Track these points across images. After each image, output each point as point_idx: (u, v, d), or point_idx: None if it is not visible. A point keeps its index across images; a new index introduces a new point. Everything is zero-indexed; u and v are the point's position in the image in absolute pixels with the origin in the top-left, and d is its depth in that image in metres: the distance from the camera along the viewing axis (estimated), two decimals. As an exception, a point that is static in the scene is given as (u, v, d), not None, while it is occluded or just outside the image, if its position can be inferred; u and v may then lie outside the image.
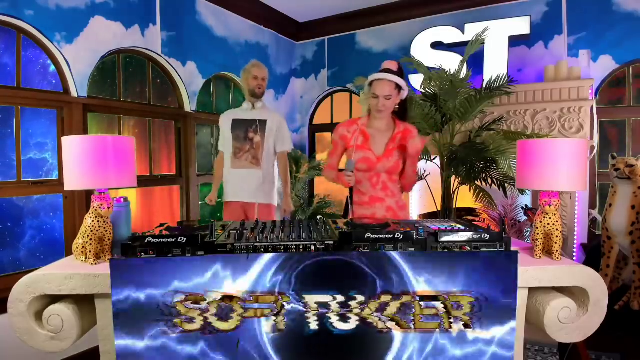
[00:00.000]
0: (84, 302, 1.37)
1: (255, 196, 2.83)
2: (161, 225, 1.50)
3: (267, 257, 1.22)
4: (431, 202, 3.61)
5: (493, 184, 3.30)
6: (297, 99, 5.05)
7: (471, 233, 1.31)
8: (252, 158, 2.82)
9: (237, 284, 1.22)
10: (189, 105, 3.66)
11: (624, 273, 2.60)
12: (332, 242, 1.28)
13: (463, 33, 3.79)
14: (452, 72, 3.37)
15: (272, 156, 2.90)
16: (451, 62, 3.62)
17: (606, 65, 3.50)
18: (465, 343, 1.25)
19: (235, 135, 2.85)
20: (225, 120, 2.92)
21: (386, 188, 2.08)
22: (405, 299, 1.24)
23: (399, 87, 2.01)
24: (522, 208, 3.44)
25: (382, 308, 1.24)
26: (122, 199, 1.62)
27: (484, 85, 3.34)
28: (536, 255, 1.49)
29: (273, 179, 2.92)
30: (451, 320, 1.25)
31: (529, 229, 3.45)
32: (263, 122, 2.86)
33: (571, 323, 1.37)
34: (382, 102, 1.99)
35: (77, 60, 2.80)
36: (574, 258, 3.44)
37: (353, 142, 2.06)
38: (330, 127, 5.03)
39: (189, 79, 3.63)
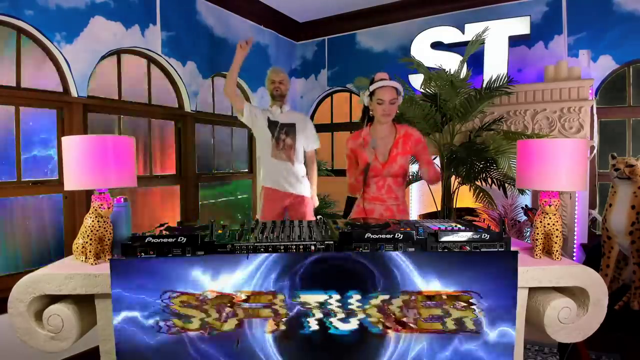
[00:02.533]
0: (84, 302, 1.37)
1: (292, 187, 3.08)
2: (161, 225, 1.50)
3: (267, 257, 1.22)
4: (431, 202, 3.61)
5: (493, 184, 3.30)
6: (297, 99, 5.05)
7: (471, 233, 1.31)
8: (286, 157, 3.06)
9: (237, 284, 1.22)
10: (189, 105, 3.66)
11: (624, 273, 2.60)
12: (332, 242, 1.28)
13: (463, 33, 3.79)
14: (452, 72, 3.37)
15: (302, 155, 3.16)
16: (451, 62, 3.62)
17: (606, 65, 3.50)
18: (464, 343, 1.25)
19: (272, 133, 3.06)
20: (264, 114, 3.08)
21: (390, 191, 2.26)
22: (405, 299, 1.24)
23: (398, 92, 2.20)
24: (522, 208, 3.43)
25: (381, 308, 1.24)
26: (122, 199, 1.62)
27: (484, 85, 3.34)
28: (536, 255, 1.49)
29: (304, 174, 3.17)
30: (451, 320, 1.25)
31: (529, 229, 3.45)
32: (292, 126, 3.09)
33: (571, 323, 1.37)
34: (388, 106, 2.16)
35: (77, 60, 2.80)
36: (574, 258, 3.44)
37: (362, 150, 2.24)
38: (331, 127, 5.03)
39: (189, 79, 3.63)
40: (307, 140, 3.19)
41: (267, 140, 3.06)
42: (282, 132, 3.07)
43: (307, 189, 3.17)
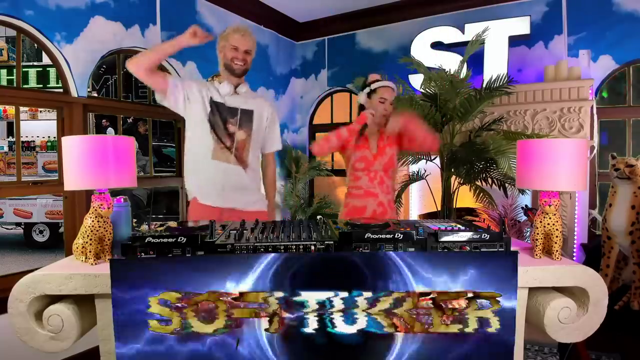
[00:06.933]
0: (84, 302, 1.37)
1: (242, 202, 2.16)
2: (161, 225, 1.50)
3: (267, 257, 1.22)
4: (431, 202, 3.60)
5: (493, 184, 3.30)
6: (297, 99, 5.05)
7: (471, 233, 1.31)
8: (235, 159, 2.13)
9: (237, 284, 1.22)
10: (189, 105, 3.65)
11: (624, 273, 2.60)
12: (332, 242, 1.28)
13: (463, 33, 3.79)
14: (452, 72, 3.37)
15: (259, 156, 2.30)
16: (451, 62, 3.62)
17: (606, 65, 3.50)
18: (465, 343, 1.25)
19: (215, 123, 2.10)
20: (202, 93, 2.16)
21: (382, 183, 2.25)
22: (405, 299, 1.24)
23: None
24: (522, 208, 3.44)
25: (381, 308, 1.24)
26: (122, 199, 1.62)
27: (484, 85, 3.34)
28: (536, 255, 1.49)
29: (260, 182, 2.33)
30: (451, 321, 1.25)
31: (529, 229, 3.45)
32: (248, 113, 2.17)
33: (571, 323, 1.37)
34: (389, 106, 2.20)
35: (77, 60, 2.80)
36: (574, 258, 3.44)
37: (353, 142, 2.23)
38: (330, 127, 5.02)
39: (189, 79, 3.63)
40: (269, 139, 2.28)
41: (205, 132, 2.10)
42: (232, 121, 2.12)
43: (262, 200, 2.28)
